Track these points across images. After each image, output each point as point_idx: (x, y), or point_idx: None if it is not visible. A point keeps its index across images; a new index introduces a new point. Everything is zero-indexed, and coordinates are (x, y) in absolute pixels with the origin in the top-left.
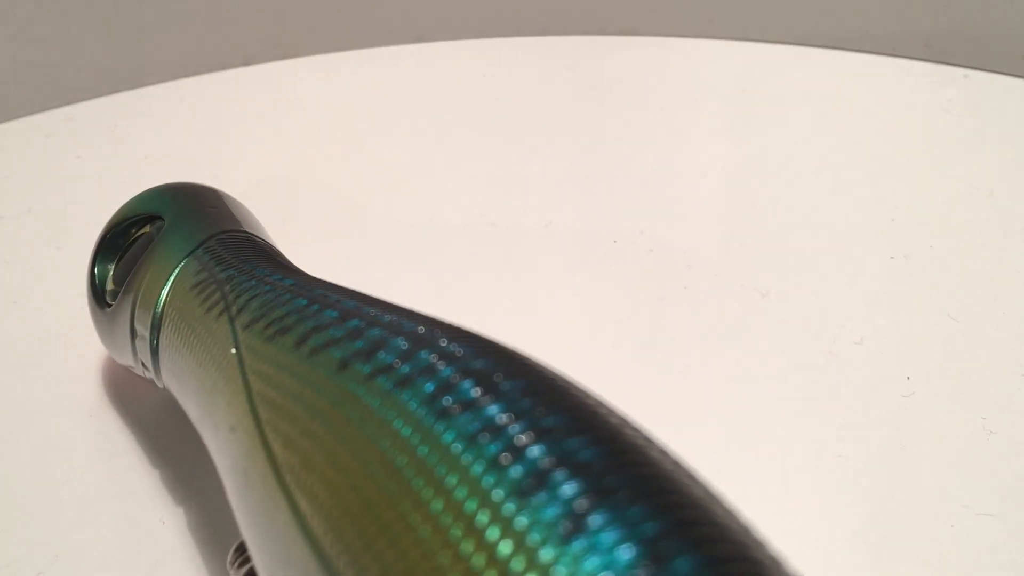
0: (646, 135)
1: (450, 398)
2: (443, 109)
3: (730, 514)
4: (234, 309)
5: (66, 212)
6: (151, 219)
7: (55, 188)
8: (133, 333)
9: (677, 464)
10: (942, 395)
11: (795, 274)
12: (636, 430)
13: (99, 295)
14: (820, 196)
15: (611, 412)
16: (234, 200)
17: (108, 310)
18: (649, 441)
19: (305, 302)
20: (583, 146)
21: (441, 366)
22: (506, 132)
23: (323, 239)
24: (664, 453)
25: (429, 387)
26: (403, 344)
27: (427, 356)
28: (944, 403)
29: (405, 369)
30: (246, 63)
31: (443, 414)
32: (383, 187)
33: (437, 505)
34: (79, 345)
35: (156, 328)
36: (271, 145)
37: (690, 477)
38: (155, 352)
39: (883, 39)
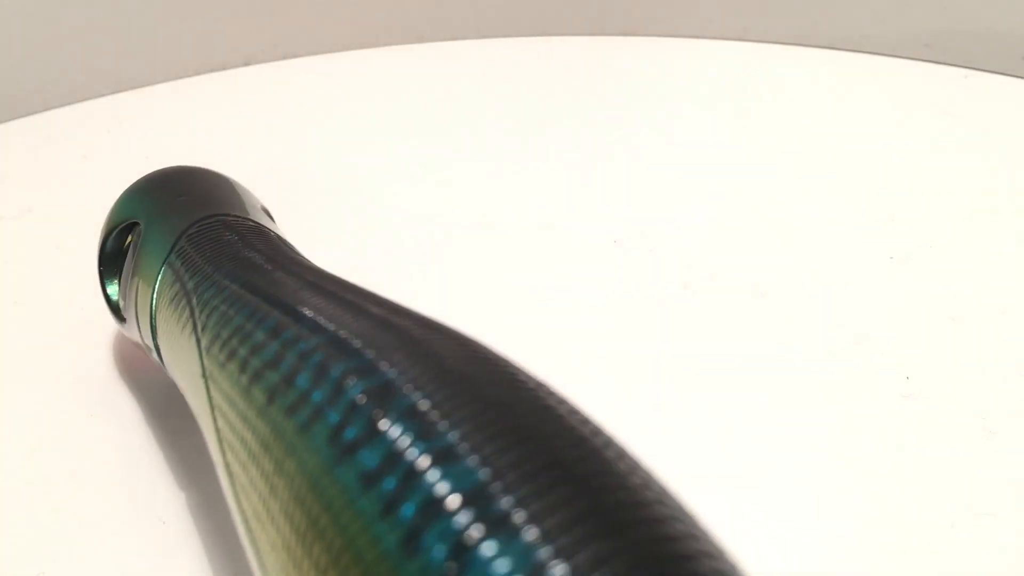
0: (646, 135)
1: (351, 431)
2: (443, 109)
3: (657, 506)
4: (199, 327)
5: (66, 212)
6: (133, 224)
7: (55, 188)
8: (146, 346)
9: (604, 463)
10: (942, 395)
11: (794, 274)
12: (557, 422)
13: (116, 310)
14: (819, 196)
15: (527, 401)
16: (204, 173)
17: (125, 324)
18: (574, 438)
19: (250, 311)
20: (583, 146)
21: (349, 384)
22: (506, 132)
23: (321, 239)
24: (591, 451)
25: (334, 419)
26: (320, 359)
27: (337, 373)
28: (944, 403)
29: (317, 397)
30: (246, 63)
31: (346, 452)
32: (382, 187)
33: (344, 561)
34: (79, 345)
35: (156, 342)
36: (271, 145)
37: (619, 474)
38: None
39: (883, 40)
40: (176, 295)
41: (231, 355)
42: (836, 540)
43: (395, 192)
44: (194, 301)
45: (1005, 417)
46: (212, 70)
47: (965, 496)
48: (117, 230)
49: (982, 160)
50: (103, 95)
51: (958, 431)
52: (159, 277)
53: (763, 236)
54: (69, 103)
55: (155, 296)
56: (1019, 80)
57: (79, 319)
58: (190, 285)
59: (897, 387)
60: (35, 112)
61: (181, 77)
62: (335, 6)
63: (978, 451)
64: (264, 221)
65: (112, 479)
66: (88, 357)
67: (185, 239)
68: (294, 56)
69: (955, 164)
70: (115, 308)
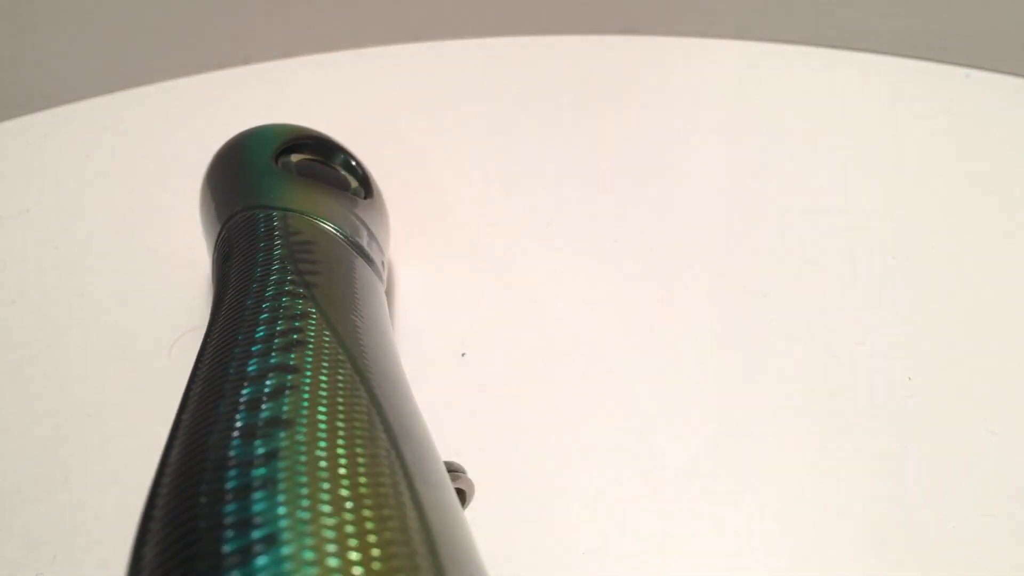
0: (647, 135)
1: None
2: (442, 108)
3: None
4: None
5: (64, 212)
6: None
7: (53, 188)
8: None
9: None
10: (944, 396)
11: (796, 275)
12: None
13: None
14: (821, 196)
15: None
16: (215, 168)
17: None
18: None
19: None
20: (583, 146)
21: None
22: (506, 132)
23: None
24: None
25: None
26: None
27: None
28: (946, 404)
29: None
30: (245, 62)
31: None
32: (381, 187)
33: None
34: (76, 346)
35: None
36: None
37: None
38: None
39: (885, 38)
40: None
41: None
42: (838, 540)
43: (393, 191)
44: None
45: (1007, 418)
46: (211, 69)
47: (967, 497)
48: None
49: (984, 160)
50: (102, 95)
51: (960, 432)
52: None
53: (764, 236)
54: (67, 103)
55: None
56: (1021, 80)
57: (77, 319)
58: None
59: (899, 388)
60: (33, 112)
61: (180, 76)
62: (333, 5)
63: (980, 452)
64: (264, 189)
65: (111, 478)
66: (86, 357)
67: (216, 263)
68: (293, 55)
69: (957, 164)
70: None
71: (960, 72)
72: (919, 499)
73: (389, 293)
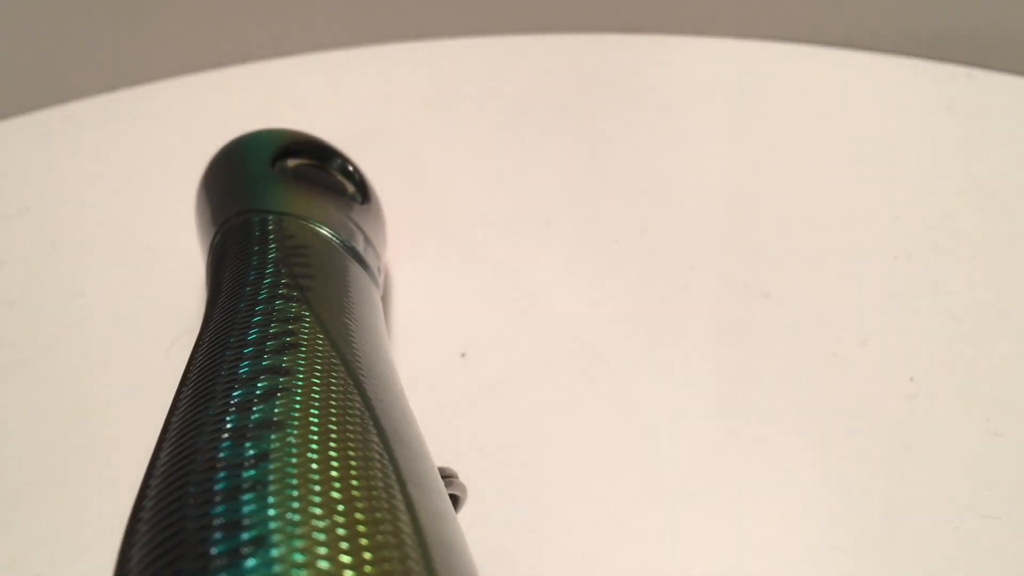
0: (647, 134)
1: None
2: (442, 108)
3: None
4: None
5: (62, 211)
6: None
7: (51, 187)
8: None
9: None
10: (946, 396)
11: (798, 274)
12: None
13: None
14: (822, 196)
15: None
16: (206, 178)
17: None
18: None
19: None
20: (583, 145)
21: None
22: (506, 132)
23: None
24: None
25: None
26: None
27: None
28: (948, 404)
29: None
30: (243, 61)
31: None
32: (379, 186)
33: None
34: (74, 346)
35: None
36: None
37: None
38: None
39: (886, 37)
40: None
41: None
42: (839, 541)
43: (392, 191)
44: None
45: (1010, 418)
46: (209, 68)
47: (968, 498)
48: None
49: (986, 159)
50: (100, 93)
51: (962, 432)
52: None
53: (765, 236)
54: (65, 101)
55: None
56: (1022, 79)
57: (75, 318)
58: None
59: (901, 388)
60: (31, 110)
61: (179, 75)
62: (332, 3)
63: (982, 453)
64: (259, 193)
65: (110, 478)
66: (84, 357)
67: (210, 267)
68: (292, 54)
69: (958, 163)
70: None
71: (962, 71)
72: (921, 500)
73: (389, 293)
